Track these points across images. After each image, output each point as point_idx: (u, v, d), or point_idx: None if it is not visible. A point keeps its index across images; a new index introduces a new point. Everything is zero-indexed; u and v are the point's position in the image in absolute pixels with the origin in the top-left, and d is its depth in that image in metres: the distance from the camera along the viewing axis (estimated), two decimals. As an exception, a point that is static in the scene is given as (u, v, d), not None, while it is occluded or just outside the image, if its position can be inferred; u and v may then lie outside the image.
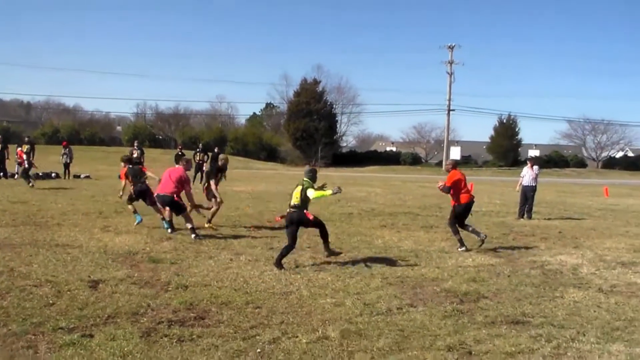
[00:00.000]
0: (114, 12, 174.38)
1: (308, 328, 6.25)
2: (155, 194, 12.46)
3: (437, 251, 11.36)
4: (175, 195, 12.12)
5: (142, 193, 13.14)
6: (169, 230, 12.30)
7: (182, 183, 12.16)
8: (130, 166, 13.89)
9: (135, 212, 13.18)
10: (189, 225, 11.93)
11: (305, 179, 9.82)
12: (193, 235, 11.70)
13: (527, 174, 18.11)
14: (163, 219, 12.66)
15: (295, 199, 9.59)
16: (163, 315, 6.52)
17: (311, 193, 9.48)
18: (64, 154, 30.36)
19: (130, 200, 13.24)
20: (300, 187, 9.60)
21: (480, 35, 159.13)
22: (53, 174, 30.00)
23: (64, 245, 10.31)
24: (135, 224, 12.90)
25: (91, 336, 5.75)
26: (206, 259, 9.74)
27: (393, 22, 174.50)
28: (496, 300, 7.69)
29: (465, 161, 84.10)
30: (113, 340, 5.65)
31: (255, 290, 7.77)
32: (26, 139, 30.30)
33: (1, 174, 27.60)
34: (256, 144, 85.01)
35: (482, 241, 11.76)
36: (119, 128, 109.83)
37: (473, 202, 12.02)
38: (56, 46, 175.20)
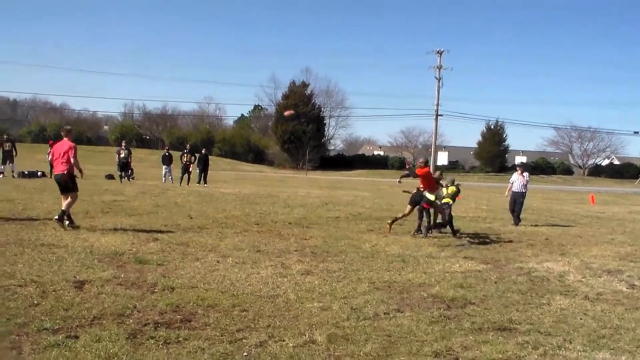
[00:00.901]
0: (104, 12, 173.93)
1: (295, 332, 6.22)
2: None
3: (424, 256, 11.37)
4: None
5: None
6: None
7: None
8: None
9: None
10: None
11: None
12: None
13: (517, 180, 18.21)
14: None
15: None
16: (149, 317, 6.47)
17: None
18: (50, 152, 30.22)
19: None
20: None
21: (469, 40, 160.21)
22: (39, 173, 29.85)
23: (49, 245, 10.23)
24: None
25: (76, 337, 5.70)
26: (193, 260, 9.70)
27: (382, 26, 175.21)
28: (483, 307, 7.70)
29: (453, 166, 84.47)
30: (98, 341, 5.60)
31: (242, 293, 7.74)
32: (5, 136, 30.19)
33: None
34: (244, 146, 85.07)
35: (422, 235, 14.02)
36: (106, 127, 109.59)
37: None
38: (44, 44, 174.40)
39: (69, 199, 12.56)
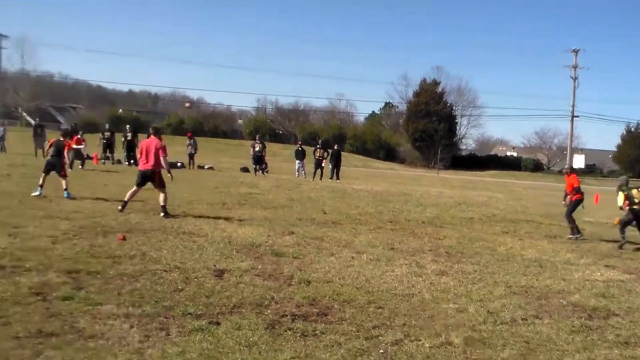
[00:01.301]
0: (241, 7, 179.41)
1: (431, 332, 6.20)
2: None
3: (562, 262, 10.98)
4: None
5: None
6: None
7: None
8: None
9: None
10: None
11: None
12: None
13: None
14: None
15: None
16: (287, 308, 6.65)
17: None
18: (189, 144, 31.54)
19: None
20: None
21: (607, 39, 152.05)
22: (179, 164, 31.24)
23: (190, 234, 10.72)
24: None
25: (218, 324, 5.95)
26: (328, 255, 9.86)
27: (516, 24, 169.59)
28: (628, 319, 7.33)
29: (590, 170, 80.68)
30: (239, 329, 5.82)
31: (377, 290, 7.79)
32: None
33: (132, 161, 29.02)
34: (375, 143, 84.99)
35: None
36: (240, 121, 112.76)
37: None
38: (183, 39, 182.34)
39: (162, 195, 13.04)
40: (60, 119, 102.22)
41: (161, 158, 13.12)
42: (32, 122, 60.48)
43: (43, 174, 14.60)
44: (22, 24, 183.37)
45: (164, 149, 13.22)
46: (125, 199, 13.05)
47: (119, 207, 12.84)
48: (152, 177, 13.12)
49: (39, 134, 30.33)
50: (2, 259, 7.70)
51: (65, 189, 14.53)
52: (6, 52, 79.01)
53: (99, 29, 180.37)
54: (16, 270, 7.20)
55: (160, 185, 13.15)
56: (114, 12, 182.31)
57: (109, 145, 29.30)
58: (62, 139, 15.85)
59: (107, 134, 29.49)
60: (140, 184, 13.25)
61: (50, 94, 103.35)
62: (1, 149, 31.69)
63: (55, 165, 14.87)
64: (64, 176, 14.72)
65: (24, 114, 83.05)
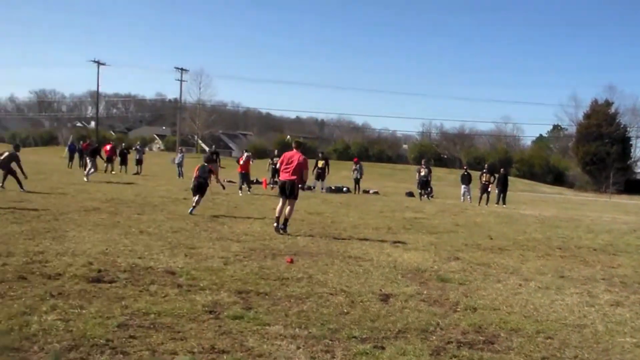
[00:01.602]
0: (405, 33, 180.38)
1: (607, 367, 5.80)
2: None
3: None
4: None
5: None
6: None
7: None
8: None
9: None
10: None
11: None
12: None
13: None
14: None
15: None
16: (452, 335, 6.49)
17: None
18: (355, 169, 31.98)
19: None
20: None
21: None
22: (344, 188, 31.78)
23: (356, 258, 10.81)
24: None
25: (382, 348, 5.91)
26: (494, 282, 9.55)
27: None
28: None
29: None
30: (403, 354, 5.75)
31: (546, 320, 7.42)
32: (320, 154, 32.56)
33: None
34: (542, 167, 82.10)
35: None
36: (405, 146, 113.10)
37: None
38: (347, 66, 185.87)
39: (289, 207, 13.54)
40: (232, 145, 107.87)
41: (304, 171, 13.71)
42: (207, 148, 64.22)
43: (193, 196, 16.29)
44: (199, 58, 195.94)
45: (306, 162, 13.79)
46: (277, 215, 13.58)
47: (278, 225, 13.39)
48: (290, 187, 13.54)
49: (214, 160, 32.04)
50: (179, 277, 8.17)
51: (194, 206, 15.96)
52: (185, 85, 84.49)
53: (267, 60, 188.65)
54: (191, 288, 7.59)
55: (291, 195, 13.60)
56: (280, 42, 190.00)
57: (277, 170, 30.36)
58: (206, 164, 17.66)
59: (276, 159, 30.53)
60: (283, 194, 13.71)
61: (223, 122, 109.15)
62: (179, 174, 33.81)
63: (202, 186, 16.28)
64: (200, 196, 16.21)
65: (199, 141, 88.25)
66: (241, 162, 25.86)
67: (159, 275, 8.28)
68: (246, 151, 28.23)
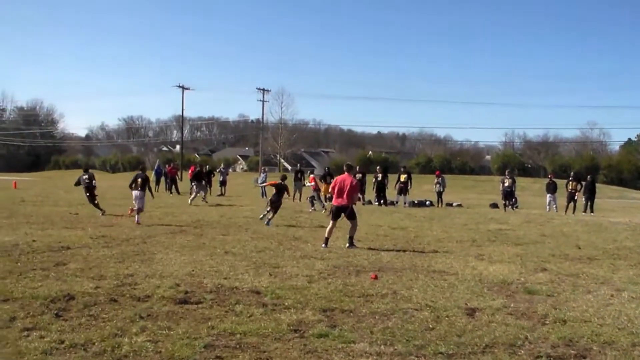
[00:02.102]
0: (480, 41, 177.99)
1: None
2: None
3: None
4: None
5: None
6: None
7: None
8: None
9: None
10: None
11: None
12: None
13: None
14: None
15: None
16: (541, 349, 6.33)
17: None
18: (437, 183, 31.66)
19: None
20: None
21: None
22: (427, 202, 31.50)
23: (440, 272, 10.70)
24: None
25: (470, 364, 5.84)
26: (584, 293, 9.26)
27: None
28: None
29: None
30: (492, 370, 5.67)
31: (641, 332, 7.15)
32: (402, 168, 32.43)
33: (381, 201, 29.83)
34: (632, 172, 79.11)
35: None
36: (488, 157, 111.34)
37: None
38: (425, 80, 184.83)
39: (352, 226, 13.81)
40: (314, 163, 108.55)
41: (356, 194, 14.14)
42: (289, 167, 65.10)
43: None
44: (281, 78, 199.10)
45: (357, 186, 14.39)
46: (326, 235, 13.77)
47: (322, 245, 13.59)
48: (344, 210, 13.79)
49: (298, 178, 32.41)
50: (265, 297, 8.29)
51: (269, 219, 17.89)
52: (267, 105, 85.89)
53: (348, 77, 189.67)
54: (276, 308, 7.69)
55: (351, 217, 13.79)
56: (360, 58, 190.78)
57: (359, 187, 30.38)
58: (282, 182, 18.86)
59: (359, 175, 30.56)
60: (336, 218, 13.96)
61: (305, 140, 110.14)
62: (262, 194, 34.26)
63: (275, 203, 18.09)
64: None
65: (282, 161, 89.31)
66: (311, 183, 26.30)
67: (244, 295, 8.43)
68: (310, 172, 28.54)
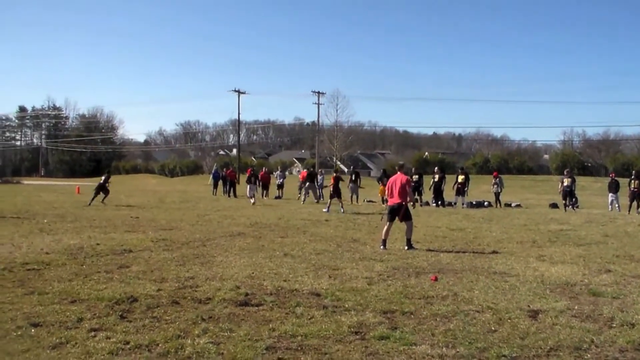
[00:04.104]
0: (537, 39, 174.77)
1: None
2: None
3: None
4: None
5: None
6: None
7: None
8: None
9: None
10: None
11: None
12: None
13: None
14: None
15: None
16: (609, 353, 6.14)
17: None
18: (495, 183, 31.18)
19: None
20: None
21: None
22: (485, 203, 31.07)
23: (501, 273, 10.51)
24: None
25: (537, 367, 5.70)
26: (653, 295, 8.97)
27: None
28: None
29: None
30: (559, 373, 5.52)
31: None
32: (460, 169, 32.05)
33: (439, 202, 29.57)
34: (699, 169, 76.25)
35: None
36: (546, 156, 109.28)
37: None
38: (487, 79, 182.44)
39: (407, 227, 13.63)
40: (370, 165, 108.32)
41: (407, 191, 13.70)
42: (345, 169, 65.10)
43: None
44: (336, 80, 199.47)
45: (408, 183, 13.81)
46: (383, 237, 13.65)
47: (380, 246, 13.53)
48: (398, 211, 13.57)
49: (353, 180, 32.32)
50: (325, 299, 8.28)
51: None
52: (323, 108, 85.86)
53: (403, 77, 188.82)
54: (336, 310, 7.67)
55: (405, 218, 13.60)
56: (414, 60, 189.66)
57: (416, 188, 30.07)
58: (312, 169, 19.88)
59: (416, 176, 30.31)
60: (391, 219, 13.73)
61: (361, 142, 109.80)
62: (319, 196, 34.24)
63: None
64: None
65: (338, 163, 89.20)
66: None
67: (304, 297, 8.44)
68: (335, 171, 28.71)
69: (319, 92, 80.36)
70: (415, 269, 10.89)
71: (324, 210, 24.57)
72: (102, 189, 27.86)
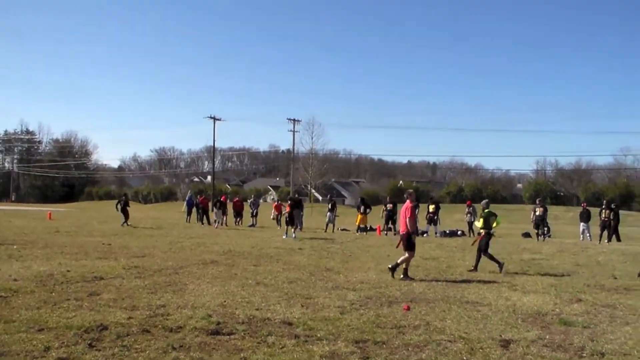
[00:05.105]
0: (511, 70, 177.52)
1: None
2: None
3: None
4: None
5: None
6: None
7: None
8: None
9: None
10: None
11: None
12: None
13: None
14: None
15: None
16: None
17: None
18: (468, 212, 31.38)
19: None
20: None
21: None
22: (459, 232, 31.25)
23: (473, 303, 10.54)
24: None
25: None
26: (622, 325, 9.04)
27: None
28: None
29: None
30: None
31: (683, 365, 6.94)
32: (430, 199, 32.23)
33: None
34: (668, 199, 77.48)
35: None
36: (519, 185, 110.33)
37: None
38: (453, 108, 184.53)
39: (405, 256, 13.59)
40: (344, 193, 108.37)
41: (406, 220, 13.63)
42: (320, 198, 65.21)
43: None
44: (311, 108, 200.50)
45: (407, 210, 13.73)
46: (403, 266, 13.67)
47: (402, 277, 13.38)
48: (401, 238, 13.84)
49: (330, 209, 32.30)
50: (297, 328, 8.23)
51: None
52: (298, 135, 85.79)
53: (377, 106, 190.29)
54: (308, 339, 7.62)
55: (405, 247, 13.67)
56: (389, 88, 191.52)
57: (390, 217, 30.16)
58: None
59: (389, 205, 30.39)
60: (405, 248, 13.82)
61: (336, 170, 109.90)
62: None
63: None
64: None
65: (313, 191, 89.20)
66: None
67: (276, 326, 8.38)
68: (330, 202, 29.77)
69: (294, 120, 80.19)
70: (388, 298, 10.88)
71: (283, 236, 25.41)
72: (124, 210, 30.92)
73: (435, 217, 30.01)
